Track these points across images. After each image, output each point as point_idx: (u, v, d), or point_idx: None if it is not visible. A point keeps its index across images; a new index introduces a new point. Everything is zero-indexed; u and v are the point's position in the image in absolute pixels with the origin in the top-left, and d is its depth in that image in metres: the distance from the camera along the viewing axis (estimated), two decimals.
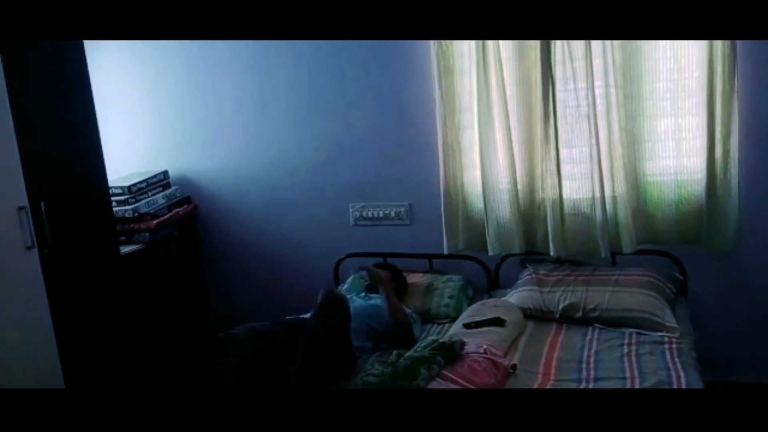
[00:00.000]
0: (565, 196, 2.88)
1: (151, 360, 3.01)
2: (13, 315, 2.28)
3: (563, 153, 2.84)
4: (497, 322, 2.53)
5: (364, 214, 3.36)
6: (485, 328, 2.48)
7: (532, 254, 3.04)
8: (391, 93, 3.17)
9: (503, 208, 2.96)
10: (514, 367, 2.28)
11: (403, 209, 3.28)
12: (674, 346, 2.34)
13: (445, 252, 3.11)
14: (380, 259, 3.29)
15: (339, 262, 3.38)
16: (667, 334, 2.42)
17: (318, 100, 3.30)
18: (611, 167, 2.80)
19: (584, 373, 2.24)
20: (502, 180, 2.95)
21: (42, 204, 2.42)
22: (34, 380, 2.34)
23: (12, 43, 2.30)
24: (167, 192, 3.45)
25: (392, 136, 3.21)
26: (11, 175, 2.30)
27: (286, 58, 3.29)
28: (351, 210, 3.38)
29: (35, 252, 2.38)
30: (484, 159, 2.93)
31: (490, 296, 3.00)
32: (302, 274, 3.47)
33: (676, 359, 2.24)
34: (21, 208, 2.32)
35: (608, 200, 2.81)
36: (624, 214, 2.81)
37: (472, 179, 3.05)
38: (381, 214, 3.32)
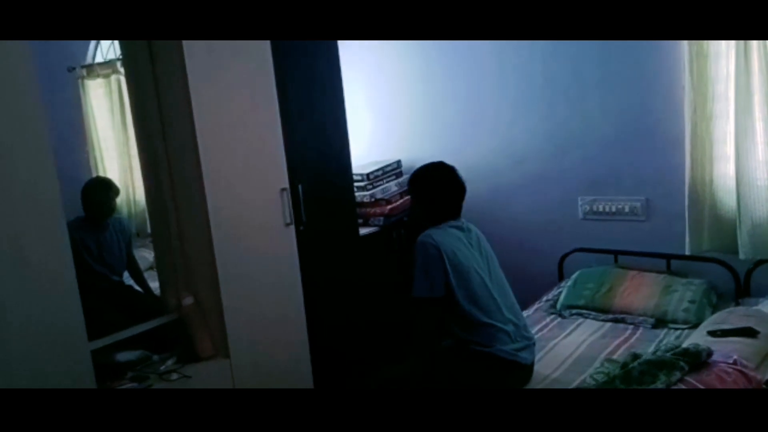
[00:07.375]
0: None
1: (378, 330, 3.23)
2: (272, 280, 2.61)
3: None
4: (748, 332, 2.28)
5: (595, 207, 3.23)
6: (733, 338, 2.25)
7: None
8: (632, 79, 3.00)
9: (760, 207, 2.65)
10: (767, 383, 2.05)
11: (639, 204, 3.09)
12: None
13: (687, 252, 2.87)
14: (610, 257, 3.14)
15: (564, 256, 3.30)
16: None
17: (551, 86, 3.24)
18: None
19: None
20: (760, 176, 2.64)
21: (300, 186, 2.74)
22: (283, 334, 2.64)
23: (278, 45, 2.61)
24: (399, 180, 3.65)
25: (630, 126, 3.04)
26: (276, 161, 2.63)
27: (521, 44, 3.27)
28: (580, 203, 3.27)
29: (292, 228, 2.70)
30: (740, 151, 2.64)
31: (738, 304, 2.71)
32: (524, 266, 3.34)
33: None
34: (283, 190, 2.63)
35: None
36: None
37: (723, 173, 2.78)
38: (613, 209, 3.17)
